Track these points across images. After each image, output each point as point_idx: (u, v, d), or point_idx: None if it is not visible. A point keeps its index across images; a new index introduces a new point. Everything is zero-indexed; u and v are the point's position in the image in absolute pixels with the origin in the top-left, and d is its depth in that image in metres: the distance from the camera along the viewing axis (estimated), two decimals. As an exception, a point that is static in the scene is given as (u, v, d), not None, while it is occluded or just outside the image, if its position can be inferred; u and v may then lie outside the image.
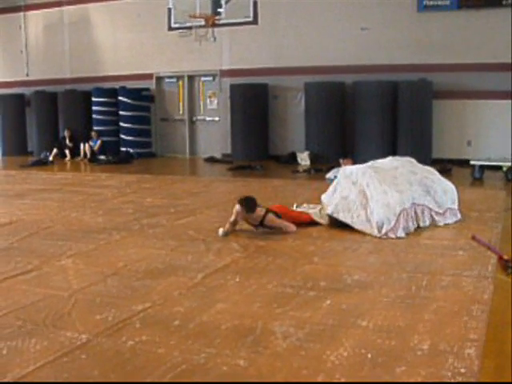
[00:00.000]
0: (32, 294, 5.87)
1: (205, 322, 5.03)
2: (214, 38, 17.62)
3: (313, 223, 8.63)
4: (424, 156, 13.72)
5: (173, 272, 6.54)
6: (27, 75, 21.53)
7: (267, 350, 4.44)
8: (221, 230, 8.07)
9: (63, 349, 4.53)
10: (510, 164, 13.42)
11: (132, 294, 5.82)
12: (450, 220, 8.74)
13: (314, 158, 16.63)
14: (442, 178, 9.12)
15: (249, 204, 8.11)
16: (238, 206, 8.12)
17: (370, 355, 4.28)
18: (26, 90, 21.23)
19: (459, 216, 8.89)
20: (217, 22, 17.42)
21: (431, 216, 8.56)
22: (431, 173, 9.10)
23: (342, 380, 3.94)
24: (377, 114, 16.11)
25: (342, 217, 8.35)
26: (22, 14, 21.43)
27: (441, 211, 8.64)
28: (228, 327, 4.90)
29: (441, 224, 8.60)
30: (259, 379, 3.98)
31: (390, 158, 9.40)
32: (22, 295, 5.85)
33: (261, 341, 4.59)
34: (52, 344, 4.63)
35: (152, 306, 5.45)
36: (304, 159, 16.81)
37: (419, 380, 3.92)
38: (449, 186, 9.01)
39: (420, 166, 9.25)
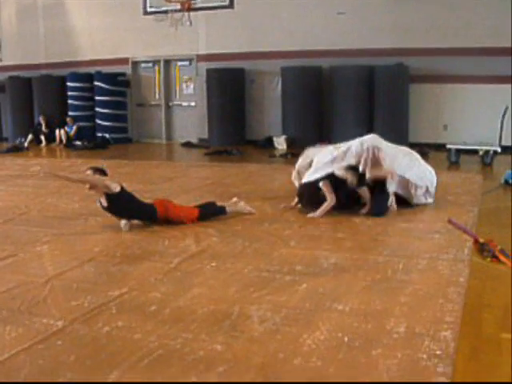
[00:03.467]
0: (7, 280, 5.83)
1: (181, 307, 5.02)
2: (190, 23, 17.53)
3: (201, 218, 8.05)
4: (401, 140, 13.69)
5: (149, 257, 6.53)
6: (0, 60, 21.31)
7: (244, 334, 4.44)
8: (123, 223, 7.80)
9: (39, 335, 4.50)
10: (486, 148, 13.49)
11: (108, 280, 5.80)
12: (425, 199, 8.78)
13: (290, 143, 16.62)
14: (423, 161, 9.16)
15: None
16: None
17: (346, 338, 4.30)
18: (0, 76, 21.01)
19: (432, 200, 8.92)
20: (193, 6, 17.34)
21: (414, 189, 8.60)
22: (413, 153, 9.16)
23: (319, 363, 3.95)
24: (354, 98, 16.12)
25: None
26: (-5, -3, 21.23)
27: (421, 188, 8.68)
28: (204, 312, 4.89)
29: (417, 201, 8.64)
30: (235, 363, 3.98)
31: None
32: (-3, 282, 5.81)
33: (237, 325, 4.60)
34: (27, 331, 4.60)
35: (128, 291, 5.43)
36: (281, 144, 16.79)
37: (395, 362, 3.94)
38: (429, 168, 9.04)
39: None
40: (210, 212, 8.09)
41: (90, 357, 4.16)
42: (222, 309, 4.93)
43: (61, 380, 3.84)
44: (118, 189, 7.65)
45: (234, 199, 8.47)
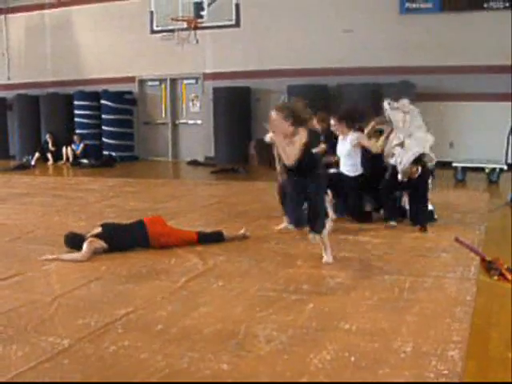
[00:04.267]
0: (14, 299, 5.83)
1: (187, 326, 5.02)
2: (197, 41, 17.57)
3: (202, 241, 7.91)
4: (406, 158, 13.76)
5: (156, 276, 6.52)
6: (9, 78, 21.41)
7: (250, 353, 4.43)
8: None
9: (45, 354, 4.50)
10: (492, 166, 13.49)
11: (115, 299, 5.80)
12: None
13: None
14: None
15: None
16: None
17: (353, 358, 4.28)
18: (8, 94, 21.11)
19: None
20: (199, 24, 17.40)
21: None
22: None
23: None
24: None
25: None
26: (3, 16, 21.31)
27: None
28: (211, 331, 4.89)
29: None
30: (242, 383, 3.97)
31: None
32: (4, 300, 5.81)
33: (244, 344, 4.59)
34: (34, 350, 4.60)
35: (135, 310, 5.43)
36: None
37: (402, 382, 3.92)
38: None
39: None
40: (208, 237, 8.00)
41: (96, 375, 4.16)
42: (229, 328, 4.93)
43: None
44: (98, 230, 7.68)
45: (242, 231, 8.33)
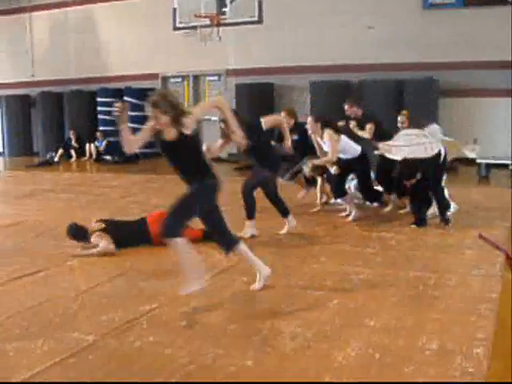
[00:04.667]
0: (39, 294, 5.88)
1: (212, 323, 5.03)
2: (220, 38, 17.56)
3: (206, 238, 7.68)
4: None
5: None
6: (33, 76, 21.53)
7: (274, 350, 4.43)
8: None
9: (70, 350, 4.53)
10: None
11: (139, 295, 5.82)
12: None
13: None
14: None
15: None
16: None
17: (377, 355, 4.27)
18: (32, 91, 21.23)
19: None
20: (222, 21, 17.39)
21: None
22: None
23: (350, 380, 3.92)
24: (382, 113, 16.03)
25: None
26: (27, 15, 21.44)
27: None
28: (235, 327, 4.90)
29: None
30: (266, 379, 3.97)
31: None
32: (29, 296, 5.86)
33: (268, 341, 4.59)
34: (59, 345, 4.63)
35: (159, 306, 5.45)
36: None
37: (427, 379, 3.90)
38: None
39: None
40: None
41: (121, 371, 4.18)
42: (253, 324, 4.93)
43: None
44: (102, 226, 7.69)
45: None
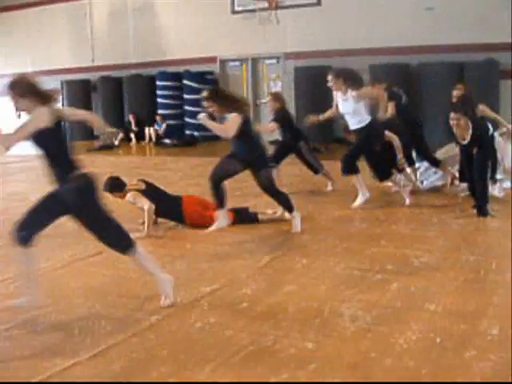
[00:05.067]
0: (101, 275, 6.00)
1: (272, 305, 5.06)
2: (278, 21, 17.55)
3: (238, 222, 7.93)
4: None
5: (240, 254, 6.58)
6: (93, 61, 21.81)
7: (335, 332, 4.44)
8: None
9: (132, 329, 4.61)
10: None
11: (200, 276, 5.89)
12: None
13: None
14: None
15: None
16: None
17: (438, 339, 4.24)
18: (92, 76, 21.51)
19: None
20: (280, 4, 17.36)
21: None
22: None
23: (411, 364, 3.91)
24: (442, 95, 15.82)
25: None
26: (87, 0, 21.69)
27: None
28: (295, 309, 4.92)
29: None
30: (327, 362, 3.98)
31: None
32: (93, 276, 5.98)
33: (328, 323, 4.60)
34: (122, 325, 4.72)
35: (220, 288, 5.50)
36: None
37: (489, 365, 3.87)
38: None
39: None
40: (245, 218, 7.99)
41: (182, 352, 4.23)
42: (314, 307, 4.94)
43: (154, 374, 3.93)
44: (142, 186, 7.82)
45: (270, 211, 8.23)
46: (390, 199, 9.25)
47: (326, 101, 17.52)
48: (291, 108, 17.74)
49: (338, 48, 17.48)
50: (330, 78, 8.85)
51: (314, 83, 17.48)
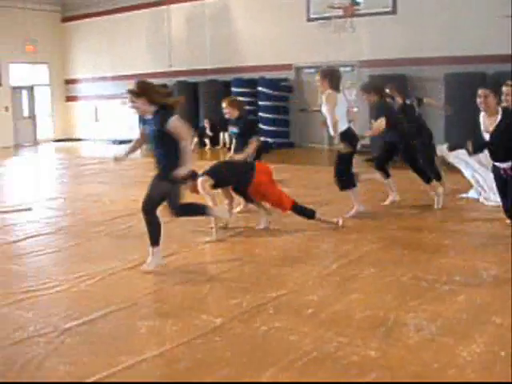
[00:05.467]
0: (170, 277, 6.12)
1: (337, 311, 5.09)
2: (353, 29, 17.51)
3: (294, 210, 7.95)
4: None
5: (308, 260, 6.62)
6: (170, 66, 22.13)
7: (399, 342, 4.44)
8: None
9: (198, 331, 4.72)
10: None
11: (267, 281, 5.95)
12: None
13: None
14: None
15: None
16: None
17: (503, 353, 4.20)
18: (169, 81, 21.80)
19: None
20: (355, 12, 17.32)
21: None
22: None
23: (473, 376, 3.89)
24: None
25: None
26: (166, 7, 22.05)
27: None
28: (361, 317, 4.94)
29: None
30: (389, 371, 3.99)
31: None
32: (161, 279, 6.10)
33: (393, 332, 4.60)
34: (187, 326, 4.84)
35: (286, 293, 5.55)
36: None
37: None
38: None
39: None
40: (301, 209, 7.95)
41: (246, 354, 4.31)
42: (379, 315, 4.95)
43: (217, 375, 4.00)
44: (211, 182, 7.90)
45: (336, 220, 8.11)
46: (460, 213, 9.13)
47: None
48: (365, 115, 17.67)
49: (413, 56, 17.34)
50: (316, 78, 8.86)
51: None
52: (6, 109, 23.55)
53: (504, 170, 6.89)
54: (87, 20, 24.32)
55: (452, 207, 9.27)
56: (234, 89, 19.89)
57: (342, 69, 18.88)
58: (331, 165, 14.94)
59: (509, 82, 8.23)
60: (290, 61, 19.47)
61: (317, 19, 18.51)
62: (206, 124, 20.15)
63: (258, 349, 4.38)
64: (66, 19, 25.18)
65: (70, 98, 25.87)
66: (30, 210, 9.83)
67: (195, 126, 20.52)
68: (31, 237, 8.14)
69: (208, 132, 20.12)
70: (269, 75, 19.46)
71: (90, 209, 9.84)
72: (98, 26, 23.90)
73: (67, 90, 25.85)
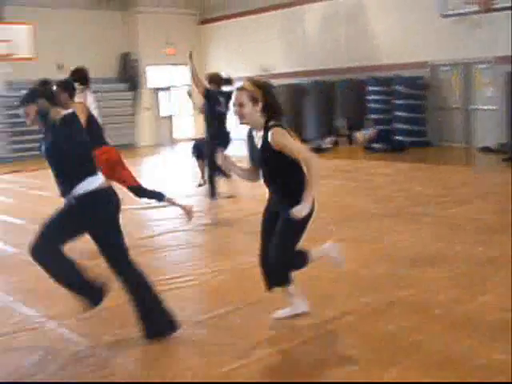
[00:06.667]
0: (300, 273, 6.19)
1: (466, 313, 5.05)
2: (490, 24, 17.02)
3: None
4: None
5: (439, 261, 6.56)
6: (305, 66, 22.27)
7: (530, 346, 4.36)
8: None
9: (326, 326, 4.84)
10: None
11: (396, 280, 5.96)
12: None
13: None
14: None
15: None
16: None
17: None
18: (305, 80, 21.96)
19: None
20: (492, 6, 16.83)
21: None
22: None
23: None
24: None
25: None
26: (301, 7, 22.21)
27: None
28: (490, 320, 4.88)
29: None
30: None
31: None
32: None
33: (525, 336, 4.51)
34: (316, 321, 4.96)
35: (415, 293, 5.56)
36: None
37: None
38: None
39: None
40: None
41: (372, 352, 4.38)
42: (510, 318, 4.86)
43: (341, 373, 4.09)
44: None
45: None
46: None
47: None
48: (503, 113, 17.18)
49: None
50: None
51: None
52: (147, 109, 24.62)
53: None
54: (223, 22, 24.84)
55: None
56: (369, 87, 19.83)
57: (478, 66, 18.56)
58: (466, 164, 14.59)
59: None
60: (425, 58, 19.18)
61: (452, 15, 18.15)
62: (343, 123, 20.22)
63: (385, 347, 4.43)
64: (203, 22, 25.82)
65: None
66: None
67: (330, 125, 20.69)
68: (170, 232, 8.60)
69: (344, 131, 20.20)
70: (402, 73, 19.25)
71: (224, 206, 10.00)
72: (233, 28, 24.39)
73: (205, 90, 26.38)
